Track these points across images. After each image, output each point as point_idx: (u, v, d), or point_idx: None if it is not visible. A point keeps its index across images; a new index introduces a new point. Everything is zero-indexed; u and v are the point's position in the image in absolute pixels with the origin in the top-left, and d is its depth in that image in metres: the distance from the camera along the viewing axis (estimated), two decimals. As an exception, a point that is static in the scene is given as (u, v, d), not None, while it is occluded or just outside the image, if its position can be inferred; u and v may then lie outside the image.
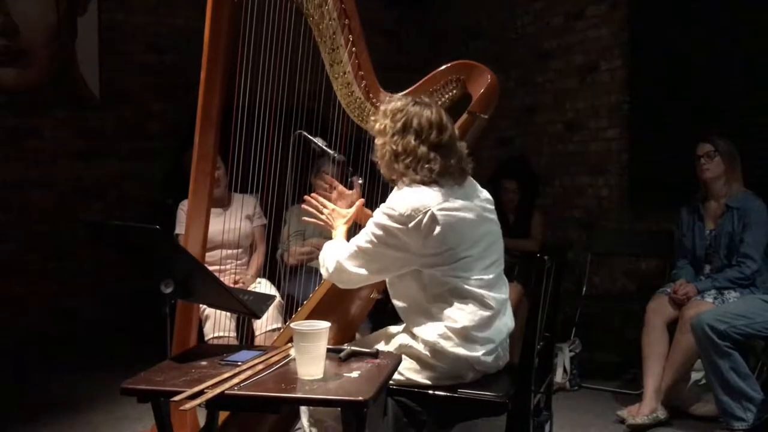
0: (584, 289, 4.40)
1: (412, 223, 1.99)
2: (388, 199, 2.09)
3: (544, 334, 2.26)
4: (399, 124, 2.08)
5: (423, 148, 2.06)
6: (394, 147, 2.08)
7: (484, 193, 2.21)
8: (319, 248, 3.65)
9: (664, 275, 3.90)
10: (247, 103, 2.42)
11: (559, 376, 3.79)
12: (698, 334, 2.97)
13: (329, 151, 2.61)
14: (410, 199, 2.02)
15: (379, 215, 2.05)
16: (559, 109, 5.03)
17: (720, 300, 3.24)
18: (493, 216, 2.19)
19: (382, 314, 2.78)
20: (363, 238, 2.07)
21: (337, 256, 2.12)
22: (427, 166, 2.05)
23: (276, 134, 2.53)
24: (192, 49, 4.94)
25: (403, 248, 2.02)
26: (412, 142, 2.06)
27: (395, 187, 2.16)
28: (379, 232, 2.03)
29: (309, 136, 2.60)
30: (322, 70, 2.49)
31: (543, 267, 2.10)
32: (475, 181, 2.22)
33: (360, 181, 2.45)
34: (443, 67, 2.51)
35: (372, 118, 2.21)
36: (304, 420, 2.15)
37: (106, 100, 5.07)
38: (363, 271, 2.08)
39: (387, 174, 2.17)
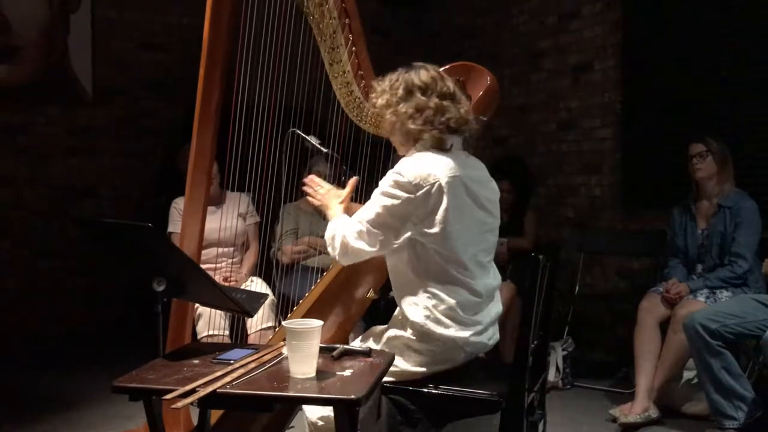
0: (577, 288, 4.41)
1: (420, 192, 1.96)
2: (397, 165, 2.05)
3: (538, 333, 2.26)
4: (400, 91, 2.07)
5: (435, 100, 2.04)
6: (404, 110, 2.06)
7: (493, 183, 2.19)
8: (312, 246, 3.70)
9: (657, 274, 3.91)
10: (245, 102, 2.41)
11: (551, 375, 3.80)
12: (690, 333, 2.98)
13: (323, 149, 2.60)
14: (420, 166, 1.99)
15: (387, 182, 2.01)
16: (552, 109, 5.04)
17: (712, 299, 3.26)
18: (493, 209, 2.16)
19: (375, 313, 2.78)
20: (369, 210, 2.03)
21: (343, 231, 2.08)
22: (443, 118, 2.03)
23: (271, 133, 2.52)
24: (185, 47, 4.98)
25: (407, 217, 1.98)
26: (422, 98, 2.05)
27: (408, 153, 2.12)
28: (386, 200, 1.99)
29: (303, 134, 2.59)
30: (322, 69, 2.48)
31: (537, 265, 2.10)
32: (483, 167, 2.19)
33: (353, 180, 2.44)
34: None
35: (372, 95, 2.19)
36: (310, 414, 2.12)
37: (99, 98, 5.05)
38: (369, 247, 2.03)
39: (403, 141, 2.12)
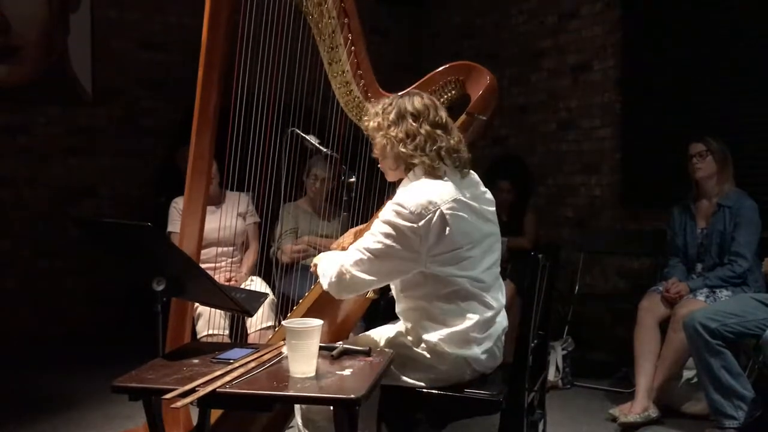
0: (576, 287, 4.41)
1: (423, 222, 1.95)
2: (396, 196, 2.05)
3: (538, 333, 2.27)
4: (392, 116, 2.06)
5: (426, 127, 2.04)
6: (394, 135, 2.05)
7: (488, 194, 2.19)
8: (312, 245, 3.70)
9: (657, 274, 3.91)
10: (244, 102, 2.41)
11: (551, 375, 3.80)
12: (690, 332, 2.97)
13: (322, 148, 2.61)
14: (419, 195, 1.98)
15: (388, 213, 1.99)
16: (552, 108, 5.04)
17: (712, 298, 3.26)
18: (494, 218, 2.17)
19: (375, 313, 2.78)
20: (370, 239, 2.00)
21: (341, 262, 2.04)
22: (434, 146, 2.02)
23: (271, 132, 2.52)
24: (184, 47, 4.98)
25: (412, 248, 1.97)
26: (413, 124, 2.04)
27: (402, 182, 2.13)
28: (389, 230, 1.97)
29: (302, 134, 2.60)
30: (321, 68, 2.48)
31: (537, 265, 2.10)
32: (479, 179, 2.19)
33: (352, 179, 2.44)
34: (442, 67, 2.50)
35: (365, 118, 2.19)
36: (298, 418, 2.14)
37: (98, 97, 5.05)
38: (369, 276, 2.01)
39: (393, 166, 2.11)
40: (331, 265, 2.08)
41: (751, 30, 3.82)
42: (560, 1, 4.94)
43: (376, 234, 2.00)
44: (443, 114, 2.10)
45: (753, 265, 3.28)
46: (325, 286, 2.11)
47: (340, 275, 2.04)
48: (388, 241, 1.97)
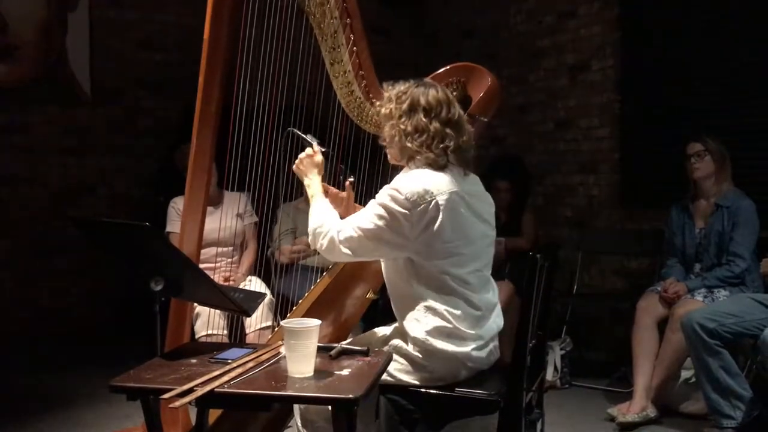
0: (575, 287, 4.42)
1: (417, 210, 1.96)
2: (394, 180, 2.05)
3: (537, 332, 2.27)
4: (405, 105, 2.06)
5: (435, 125, 2.03)
6: (404, 127, 2.05)
7: (488, 197, 2.20)
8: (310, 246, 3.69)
9: (655, 274, 3.92)
10: (246, 101, 2.41)
11: (549, 375, 3.80)
12: (688, 332, 2.98)
13: (321, 148, 2.60)
14: (417, 183, 1.98)
15: (384, 196, 2.00)
16: (550, 108, 5.04)
17: (710, 298, 3.26)
18: (491, 220, 2.18)
19: (374, 313, 2.78)
20: (364, 218, 2.02)
21: (334, 232, 2.06)
22: (442, 144, 2.03)
23: (271, 133, 2.52)
24: (183, 46, 4.98)
25: (402, 233, 1.98)
26: (423, 119, 2.03)
27: (403, 168, 2.13)
28: (382, 212, 1.99)
29: (300, 134, 2.59)
30: (322, 68, 2.47)
31: (536, 265, 2.10)
32: (480, 182, 2.19)
33: (351, 179, 2.44)
34: (443, 68, 2.50)
35: (378, 103, 2.18)
36: (297, 419, 2.14)
37: (97, 97, 5.05)
38: (356, 254, 2.05)
39: (398, 157, 2.12)
40: (324, 231, 2.09)
41: (750, 30, 3.82)
42: (558, 0, 4.94)
43: (369, 214, 2.02)
44: (456, 110, 2.08)
45: (751, 265, 3.29)
46: (314, 246, 2.14)
47: (331, 246, 2.07)
48: (380, 223, 1.99)
